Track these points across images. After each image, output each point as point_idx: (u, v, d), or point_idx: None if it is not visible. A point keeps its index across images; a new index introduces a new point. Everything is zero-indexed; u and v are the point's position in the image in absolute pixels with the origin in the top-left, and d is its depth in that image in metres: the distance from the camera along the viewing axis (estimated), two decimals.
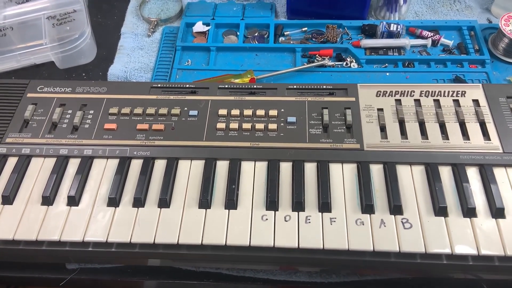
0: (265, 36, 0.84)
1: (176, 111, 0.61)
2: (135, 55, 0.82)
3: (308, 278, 0.56)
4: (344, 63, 0.78)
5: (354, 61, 0.78)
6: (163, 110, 0.61)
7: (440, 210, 0.51)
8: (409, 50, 0.79)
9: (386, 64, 0.77)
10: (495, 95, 0.60)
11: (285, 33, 0.84)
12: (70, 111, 0.62)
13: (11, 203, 0.54)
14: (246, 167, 0.57)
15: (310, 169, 0.56)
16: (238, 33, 0.84)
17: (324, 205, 0.52)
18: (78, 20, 0.78)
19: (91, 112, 0.62)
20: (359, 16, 0.83)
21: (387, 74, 0.76)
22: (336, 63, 0.78)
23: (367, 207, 0.51)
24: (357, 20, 0.83)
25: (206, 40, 0.83)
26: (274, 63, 0.79)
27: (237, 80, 0.73)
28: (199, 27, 0.85)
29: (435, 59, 0.76)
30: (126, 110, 0.61)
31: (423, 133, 0.58)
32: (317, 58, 0.79)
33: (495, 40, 0.77)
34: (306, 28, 0.84)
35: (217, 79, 0.73)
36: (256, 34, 0.84)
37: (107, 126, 0.60)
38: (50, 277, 0.57)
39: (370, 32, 0.81)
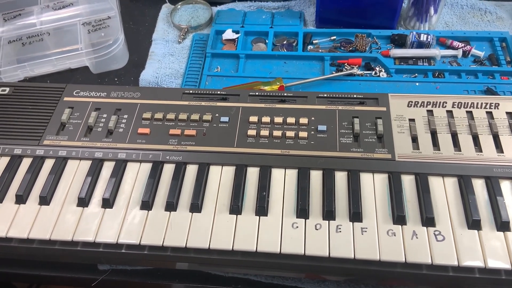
0: (294, 44, 0.84)
1: (207, 117, 0.62)
2: (166, 61, 0.83)
3: (336, 287, 0.55)
4: (373, 72, 0.78)
5: (383, 70, 0.78)
6: (195, 116, 0.62)
7: (474, 223, 0.50)
8: (439, 61, 0.78)
9: (416, 74, 0.77)
10: None
11: (313, 41, 0.84)
12: (105, 115, 0.63)
13: (48, 204, 0.56)
14: (277, 174, 0.57)
15: (340, 178, 0.56)
16: (267, 41, 0.85)
17: (355, 215, 0.52)
18: (112, 26, 0.81)
19: (125, 116, 0.63)
20: (389, 26, 0.83)
21: (417, 84, 0.75)
22: (365, 72, 0.78)
23: (399, 218, 0.51)
24: (386, 29, 0.83)
25: (235, 47, 0.84)
26: (303, 71, 0.80)
27: (266, 87, 0.73)
28: (228, 34, 0.86)
29: (465, 69, 0.76)
30: (159, 115, 0.63)
31: (456, 144, 0.57)
32: (345, 67, 0.79)
33: None
34: (335, 37, 0.84)
35: (246, 86, 0.74)
36: (284, 42, 0.85)
37: (140, 130, 0.61)
38: (82, 277, 0.58)
39: (399, 41, 0.81)
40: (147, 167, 0.58)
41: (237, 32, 0.86)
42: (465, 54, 0.79)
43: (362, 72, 0.78)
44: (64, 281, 0.59)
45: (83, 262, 0.58)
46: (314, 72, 0.80)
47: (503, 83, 0.74)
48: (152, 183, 0.56)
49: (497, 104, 0.60)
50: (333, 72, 0.78)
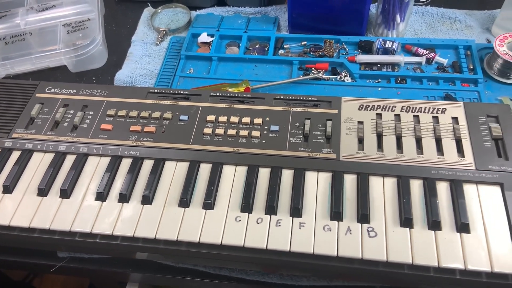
0: (266, 48, 0.87)
1: (168, 115, 0.65)
2: (142, 62, 0.87)
3: (280, 280, 0.58)
4: (338, 77, 0.80)
5: (348, 75, 0.81)
6: (156, 114, 0.66)
7: (406, 221, 0.52)
8: (404, 67, 0.81)
9: (379, 80, 0.79)
10: (475, 113, 0.61)
11: (285, 46, 0.87)
12: (72, 111, 0.67)
13: (10, 193, 0.60)
14: (227, 171, 0.60)
15: (287, 176, 0.59)
16: (240, 45, 0.88)
17: (295, 210, 0.55)
18: (90, 28, 0.85)
19: (91, 113, 0.67)
20: (357, 33, 0.86)
21: (379, 89, 0.78)
22: (331, 76, 0.81)
23: (336, 214, 0.54)
24: (355, 36, 0.86)
25: (209, 50, 0.87)
26: (272, 75, 0.83)
27: (232, 89, 0.77)
28: (204, 37, 0.89)
29: (427, 76, 0.78)
30: (122, 112, 0.66)
31: (399, 147, 0.59)
32: (312, 71, 0.82)
33: (490, 60, 0.78)
34: (305, 42, 0.87)
35: (213, 87, 0.77)
36: (257, 46, 0.88)
37: (103, 126, 0.65)
38: (42, 263, 0.62)
39: (366, 48, 0.83)
40: (106, 161, 0.62)
41: (212, 36, 0.89)
42: (429, 61, 0.81)
43: (328, 76, 0.81)
44: (25, 267, 0.62)
45: (42, 249, 0.62)
46: (282, 75, 0.83)
47: (463, 89, 0.75)
48: (108, 176, 0.59)
49: (444, 109, 0.62)
50: (300, 76, 0.81)
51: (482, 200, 0.54)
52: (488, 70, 0.78)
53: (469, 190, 0.55)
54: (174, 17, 0.96)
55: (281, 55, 0.86)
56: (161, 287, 0.88)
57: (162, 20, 0.95)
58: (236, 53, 0.87)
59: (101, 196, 0.58)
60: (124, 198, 0.58)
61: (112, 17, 0.98)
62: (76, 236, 0.56)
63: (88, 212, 0.57)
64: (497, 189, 0.54)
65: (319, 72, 0.81)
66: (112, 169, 0.60)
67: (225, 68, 0.85)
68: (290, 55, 0.85)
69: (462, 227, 0.51)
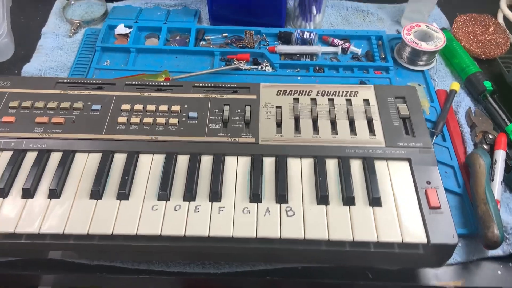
0: (187, 40, 0.86)
1: (78, 105, 0.62)
2: (54, 54, 0.82)
3: (202, 269, 0.57)
4: (259, 67, 0.81)
5: (269, 65, 0.81)
6: (65, 104, 0.61)
7: (322, 199, 0.53)
8: (321, 57, 0.83)
9: (299, 69, 0.81)
10: (384, 95, 0.64)
11: (206, 37, 0.86)
12: None
13: None
14: (144, 159, 0.58)
15: (206, 161, 0.58)
16: (160, 37, 0.85)
17: (214, 195, 0.53)
18: None
19: None
20: (277, 24, 0.87)
21: (299, 78, 0.79)
22: (252, 67, 0.81)
23: (255, 196, 0.53)
24: (275, 27, 0.87)
25: (127, 42, 0.84)
26: (193, 66, 0.81)
27: (152, 80, 0.74)
28: (121, 29, 0.86)
29: (343, 65, 0.81)
30: (27, 103, 0.61)
31: (315, 129, 0.61)
32: (234, 62, 0.82)
33: (400, 49, 0.83)
34: (226, 34, 0.87)
35: (130, 78, 0.74)
36: (178, 38, 0.86)
37: (5, 118, 0.59)
38: None
39: (285, 39, 0.85)
40: (7, 155, 0.57)
41: (130, 27, 0.86)
42: (344, 51, 0.84)
43: (249, 66, 0.81)
44: None
45: None
46: (204, 66, 0.82)
47: (376, 77, 0.79)
48: (10, 170, 0.55)
49: (356, 92, 0.65)
50: (222, 67, 0.81)
51: (392, 175, 0.56)
52: (398, 59, 0.83)
53: (380, 166, 0.57)
54: (89, 8, 0.92)
55: (203, 47, 0.85)
56: None
57: (76, 12, 0.91)
58: (156, 44, 0.85)
59: (2, 193, 0.53)
60: (28, 193, 0.53)
61: (19, 8, 0.91)
62: None
63: None
64: (405, 164, 0.57)
65: (241, 62, 0.81)
66: (14, 164, 0.55)
67: (144, 60, 0.82)
68: (211, 46, 0.85)
69: (374, 201, 0.53)
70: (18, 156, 0.56)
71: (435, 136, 0.69)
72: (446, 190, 0.59)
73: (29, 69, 0.78)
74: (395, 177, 0.56)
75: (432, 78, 0.80)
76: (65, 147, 0.58)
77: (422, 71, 0.81)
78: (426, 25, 0.81)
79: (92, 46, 0.83)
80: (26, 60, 0.80)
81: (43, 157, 0.56)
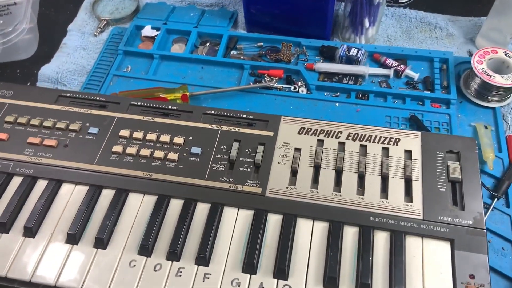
0: (216, 48, 0.77)
1: (75, 126, 0.55)
2: (76, 55, 0.77)
3: None
4: (292, 87, 0.70)
5: (303, 86, 0.70)
6: (61, 124, 0.56)
7: (329, 281, 0.43)
8: (368, 79, 0.70)
9: (338, 94, 0.69)
10: (433, 147, 0.51)
11: (238, 46, 0.77)
12: None
13: None
14: (133, 200, 0.50)
15: (202, 210, 0.49)
16: (188, 42, 0.77)
17: (201, 259, 0.45)
18: (15, 13, 0.74)
19: None
20: (321, 36, 0.75)
21: (337, 104, 0.67)
22: (284, 86, 0.70)
23: (248, 267, 0.44)
24: (318, 39, 0.75)
25: (152, 46, 0.77)
26: (219, 79, 0.73)
27: (167, 95, 0.66)
28: (147, 31, 0.79)
29: (392, 93, 0.67)
30: (22, 120, 0.56)
31: (338, 184, 0.50)
32: (265, 78, 0.72)
33: (468, 79, 0.68)
34: (262, 44, 0.77)
35: (146, 92, 0.67)
36: (207, 44, 0.78)
37: None
38: None
39: (328, 54, 0.73)
40: None
41: (157, 29, 0.79)
42: (398, 74, 0.70)
43: (281, 86, 0.70)
44: None
45: None
46: (230, 81, 0.72)
47: (433, 111, 0.65)
48: None
49: (397, 140, 0.52)
50: (250, 83, 0.71)
51: (426, 259, 0.44)
52: (465, 90, 0.68)
53: (412, 244, 0.45)
54: (120, 4, 0.85)
55: (233, 57, 0.75)
56: None
57: (106, 8, 0.85)
58: (183, 51, 0.76)
59: None
60: (3, 227, 0.48)
61: (50, 0, 0.87)
62: None
63: None
64: (446, 246, 0.45)
65: (272, 80, 0.71)
66: None
67: (167, 68, 0.74)
68: (242, 57, 0.75)
69: None
70: (3, 180, 0.51)
71: (495, 200, 0.55)
72: (499, 274, 0.47)
73: (47, 71, 0.73)
74: (429, 263, 0.44)
75: (504, 119, 0.64)
76: (52, 176, 0.52)
77: (493, 108, 0.65)
78: (505, 52, 0.65)
79: (116, 48, 0.77)
80: (47, 59, 0.76)
81: (27, 184, 0.51)
